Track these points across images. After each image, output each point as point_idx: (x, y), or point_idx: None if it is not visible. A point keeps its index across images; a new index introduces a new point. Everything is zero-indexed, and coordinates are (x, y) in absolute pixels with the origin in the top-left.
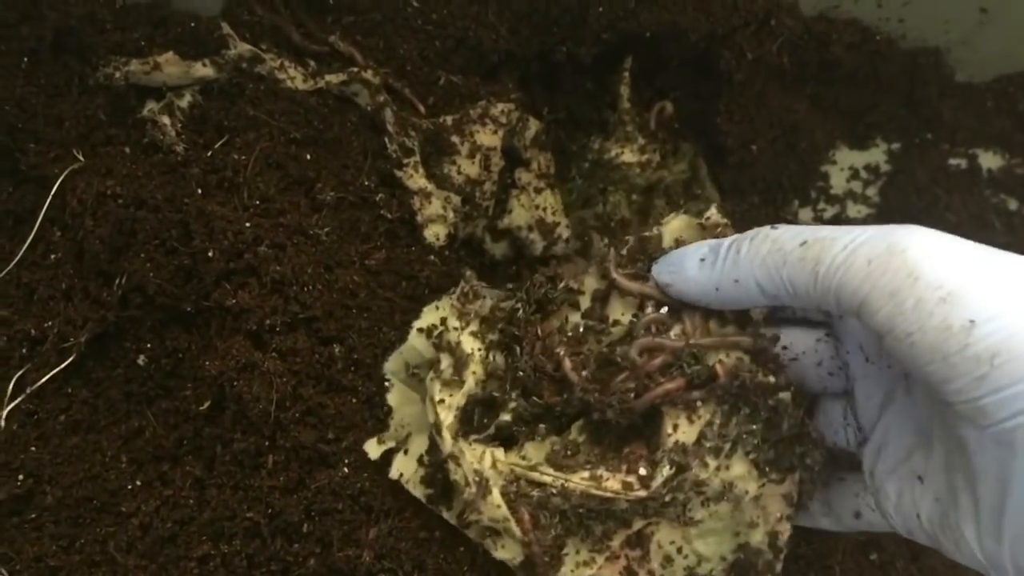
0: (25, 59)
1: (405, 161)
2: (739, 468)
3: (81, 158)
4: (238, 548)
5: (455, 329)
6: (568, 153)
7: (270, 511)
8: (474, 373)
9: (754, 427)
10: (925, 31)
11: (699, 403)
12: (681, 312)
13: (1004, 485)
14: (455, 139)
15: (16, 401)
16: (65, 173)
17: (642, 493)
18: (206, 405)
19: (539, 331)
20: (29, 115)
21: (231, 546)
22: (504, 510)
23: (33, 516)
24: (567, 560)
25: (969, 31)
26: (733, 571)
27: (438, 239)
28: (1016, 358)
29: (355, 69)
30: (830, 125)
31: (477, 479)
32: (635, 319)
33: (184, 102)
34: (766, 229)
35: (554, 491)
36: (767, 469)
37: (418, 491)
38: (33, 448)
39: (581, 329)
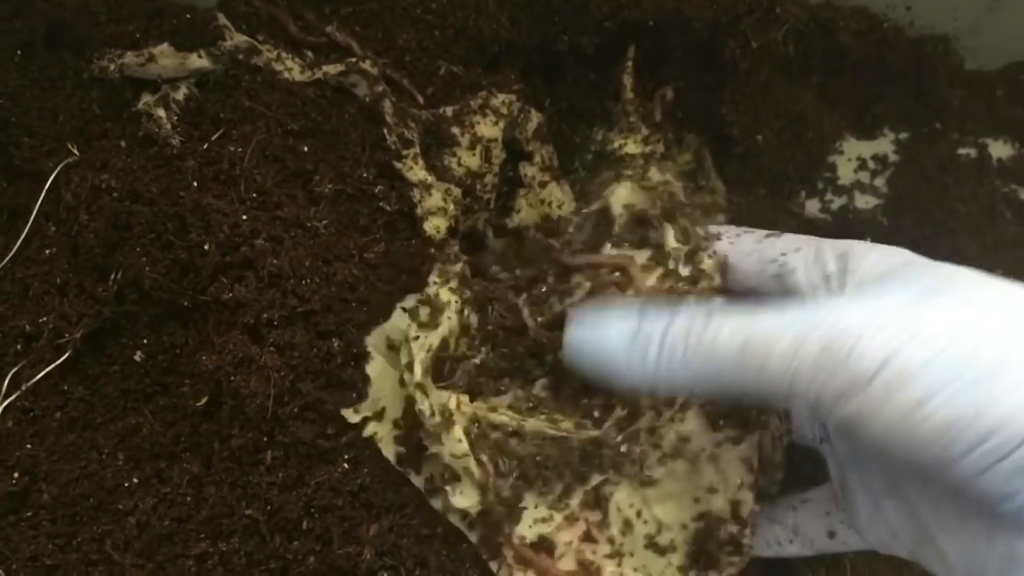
0: (18, 52)
1: (404, 152)
2: (693, 420)
3: (76, 152)
4: (236, 546)
5: (435, 283)
6: (571, 145)
7: (269, 508)
8: (449, 319)
9: None
10: (933, 18)
11: None
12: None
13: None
14: (455, 130)
15: (11, 398)
16: (59, 167)
17: (595, 432)
18: (203, 401)
19: (508, 294)
20: (23, 109)
21: (229, 544)
22: (465, 445)
23: (29, 514)
24: (525, 516)
25: (978, 18)
26: (695, 541)
27: (439, 232)
28: (972, 420)
29: (353, 60)
30: (837, 115)
31: (442, 411)
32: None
33: (180, 94)
34: (699, 320)
35: (510, 429)
36: (721, 423)
37: (389, 450)
38: (29, 445)
39: (544, 289)
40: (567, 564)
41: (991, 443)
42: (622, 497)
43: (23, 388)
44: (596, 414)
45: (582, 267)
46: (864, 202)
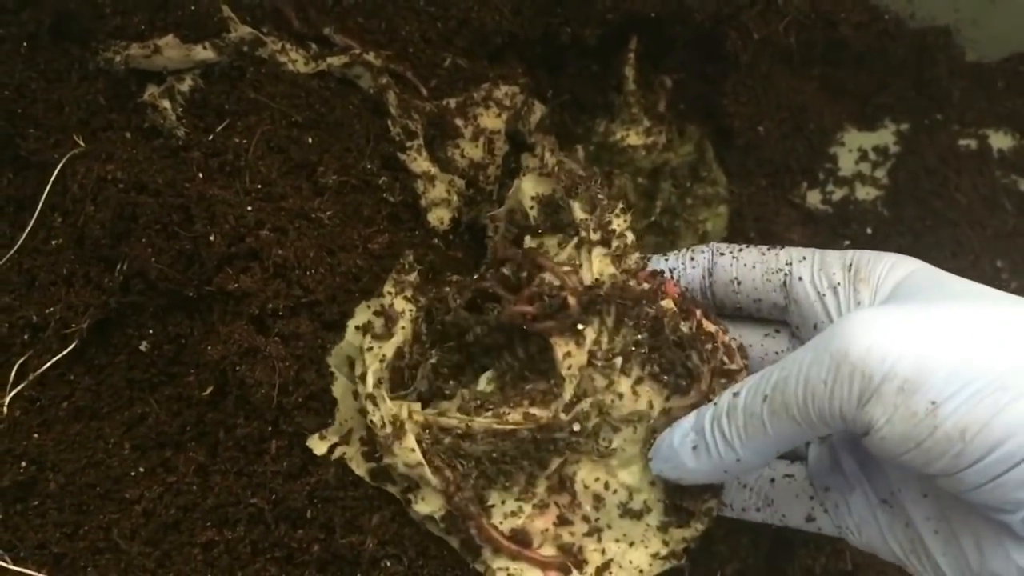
0: (24, 44)
1: (408, 144)
2: (637, 383)
3: (82, 143)
4: (242, 534)
5: (389, 294)
6: (573, 136)
7: (274, 497)
8: (403, 328)
9: (639, 337)
10: (934, 10)
11: (580, 326)
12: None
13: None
14: (459, 122)
15: (19, 388)
16: (65, 158)
17: (544, 414)
18: (209, 391)
19: (447, 292)
20: (29, 100)
21: (235, 532)
22: (417, 454)
23: (36, 503)
24: (494, 512)
25: (978, 9)
26: (668, 497)
27: (442, 223)
28: (984, 427)
29: (357, 51)
30: (838, 106)
31: (392, 421)
32: None
33: (185, 86)
34: (726, 398)
35: (459, 432)
36: (665, 379)
37: (361, 468)
38: (36, 435)
39: (475, 276)
40: (547, 551)
41: (1000, 452)
42: (585, 473)
43: (30, 378)
44: (543, 400)
45: (505, 261)
46: (865, 193)
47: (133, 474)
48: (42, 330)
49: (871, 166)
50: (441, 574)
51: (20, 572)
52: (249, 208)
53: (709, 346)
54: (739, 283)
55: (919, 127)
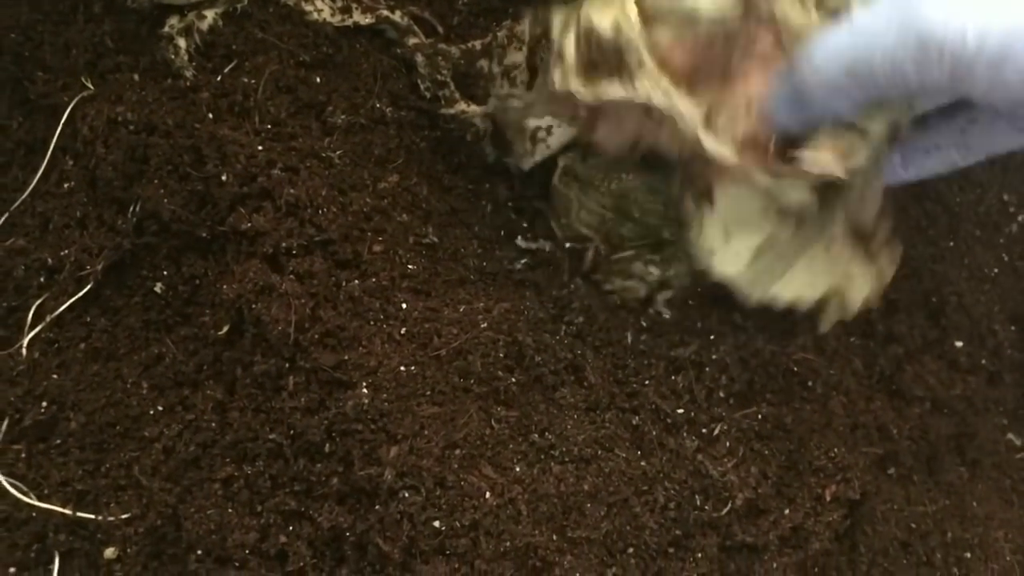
0: None
1: (440, 93)
2: None
3: (90, 86)
4: (261, 469)
5: None
6: None
7: (292, 432)
8: None
9: None
10: None
11: None
12: None
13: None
14: (483, 63)
15: (36, 330)
16: (75, 101)
17: None
18: (225, 330)
19: None
20: (35, 43)
21: (254, 467)
22: None
23: (58, 442)
24: None
25: None
26: None
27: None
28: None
29: (384, 13)
30: None
31: None
32: None
33: (205, 24)
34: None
35: None
36: None
37: None
38: (55, 376)
39: None
40: None
41: None
42: None
43: (47, 320)
44: None
45: None
46: None
47: (152, 412)
48: (57, 272)
49: None
50: (459, 503)
51: (45, 508)
52: (260, 148)
53: None
54: None
55: None
